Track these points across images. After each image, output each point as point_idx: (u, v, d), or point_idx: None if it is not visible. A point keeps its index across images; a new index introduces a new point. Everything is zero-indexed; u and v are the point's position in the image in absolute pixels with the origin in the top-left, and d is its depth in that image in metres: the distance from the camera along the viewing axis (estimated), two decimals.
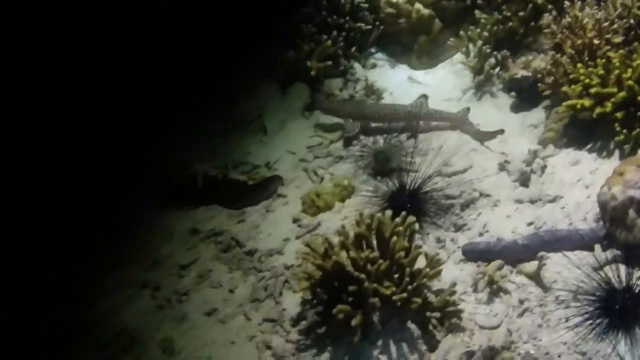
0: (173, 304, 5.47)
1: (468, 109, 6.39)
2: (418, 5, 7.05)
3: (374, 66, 7.39)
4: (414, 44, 7.22)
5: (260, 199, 6.17)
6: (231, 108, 7.42)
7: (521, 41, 6.77)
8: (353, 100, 7.04)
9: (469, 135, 6.29)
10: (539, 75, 6.13)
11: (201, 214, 6.23)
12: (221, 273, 5.61)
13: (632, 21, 5.81)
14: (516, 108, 6.40)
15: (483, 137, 6.19)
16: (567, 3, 6.16)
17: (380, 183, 5.73)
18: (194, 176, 6.26)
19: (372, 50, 7.49)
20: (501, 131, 6.12)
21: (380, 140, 6.24)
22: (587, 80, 5.49)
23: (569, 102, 5.53)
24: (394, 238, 4.46)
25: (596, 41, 5.70)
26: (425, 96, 6.49)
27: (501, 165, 5.75)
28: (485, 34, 6.76)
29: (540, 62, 6.47)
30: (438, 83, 7.02)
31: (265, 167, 6.58)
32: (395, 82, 7.15)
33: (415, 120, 6.47)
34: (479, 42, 6.73)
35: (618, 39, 5.74)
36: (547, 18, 6.43)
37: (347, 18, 7.26)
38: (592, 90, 5.41)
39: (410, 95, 6.80)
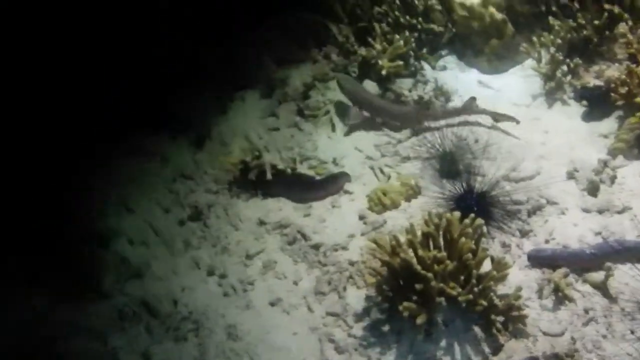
0: (238, 292, 5.61)
1: (473, 98, 6.58)
2: (492, 9, 7.03)
3: (444, 68, 7.38)
4: (485, 47, 7.19)
5: (327, 194, 6.27)
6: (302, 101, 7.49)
7: (595, 49, 6.73)
8: (365, 90, 7.19)
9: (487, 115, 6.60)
10: (612, 85, 6.09)
11: (269, 205, 6.32)
12: (286, 264, 5.71)
13: None
14: (587, 117, 6.35)
15: (499, 117, 6.55)
16: None
17: (447, 184, 5.79)
18: (263, 167, 6.37)
19: (443, 52, 7.49)
20: (516, 121, 6.47)
21: (448, 141, 6.28)
22: None
23: None
24: (462, 239, 4.50)
25: None
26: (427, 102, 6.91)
27: (570, 173, 5.75)
28: (559, 41, 6.73)
29: (614, 71, 6.46)
30: (508, 88, 6.99)
31: (332, 162, 6.63)
32: (465, 85, 7.13)
33: (421, 117, 6.74)
34: (552, 49, 6.71)
35: None
36: (623, 27, 6.41)
37: (420, 19, 7.29)
38: None
39: (481, 98, 6.81)
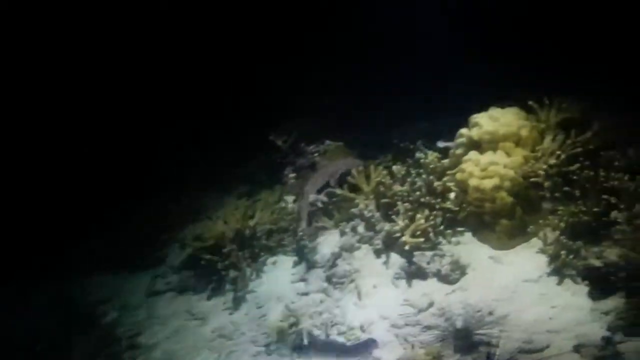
0: None
1: None
2: (503, 193, 7.87)
3: (458, 243, 8.12)
4: (496, 226, 7.96)
5: None
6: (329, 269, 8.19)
7: (596, 232, 7.52)
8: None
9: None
10: (611, 269, 6.87)
11: None
12: None
13: None
14: (590, 295, 7.01)
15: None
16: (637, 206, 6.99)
17: (467, 354, 6.45)
18: (301, 333, 7.04)
19: (459, 228, 8.25)
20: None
21: (464, 312, 6.95)
22: None
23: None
24: None
25: None
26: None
27: (576, 347, 6.41)
28: (562, 224, 7.56)
29: (613, 253, 7.20)
30: (517, 264, 7.67)
31: (360, 329, 7.27)
32: (478, 260, 7.83)
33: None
34: (556, 232, 7.53)
35: None
36: (618, 215, 7.25)
37: (439, 199, 8.13)
38: None
39: (492, 273, 7.57)
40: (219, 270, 8.34)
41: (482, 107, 8.66)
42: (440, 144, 9.59)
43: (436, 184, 8.17)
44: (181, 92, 10.41)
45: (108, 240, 9.20)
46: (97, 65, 9.42)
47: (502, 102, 8.73)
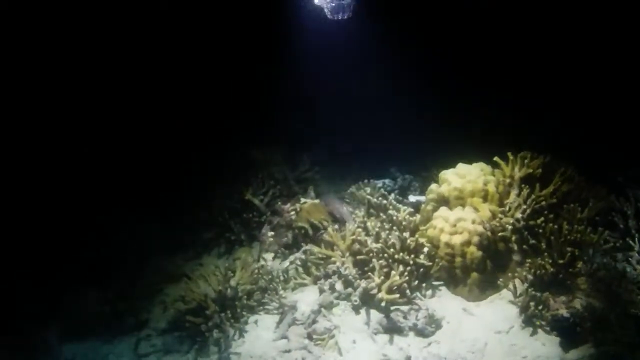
0: None
1: None
2: (472, 248, 8.26)
3: (433, 297, 8.45)
4: (468, 279, 8.34)
5: None
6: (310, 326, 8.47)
7: (563, 283, 7.92)
8: None
9: None
10: (578, 319, 7.26)
11: None
12: None
13: None
14: (560, 344, 7.39)
15: None
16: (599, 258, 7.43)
17: None
18: None
19: (433, 282, 8.58)
20: None
21: None
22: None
23: (604, 348, 6.64)
24: None
25: None
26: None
27: None
28: (530, 276, 7.95)
29: (579, 302, 7.60)
30: (489, 315, 8.04)
31: None
32: (452, 312, 8.17)
33: None
34: (525, 283, 7.91)
35: None
36: (582, 266, 7.67)
37: (412, 255, 8.47)
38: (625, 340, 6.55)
39: (465, 325, 7.91)
40: (203, 332, 8.56)
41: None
42: (412, 198, 10.02)
43: (409, 240, 8.50)
44: (162, 148, 10.77)
45: (85, 303, 9.37)
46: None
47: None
